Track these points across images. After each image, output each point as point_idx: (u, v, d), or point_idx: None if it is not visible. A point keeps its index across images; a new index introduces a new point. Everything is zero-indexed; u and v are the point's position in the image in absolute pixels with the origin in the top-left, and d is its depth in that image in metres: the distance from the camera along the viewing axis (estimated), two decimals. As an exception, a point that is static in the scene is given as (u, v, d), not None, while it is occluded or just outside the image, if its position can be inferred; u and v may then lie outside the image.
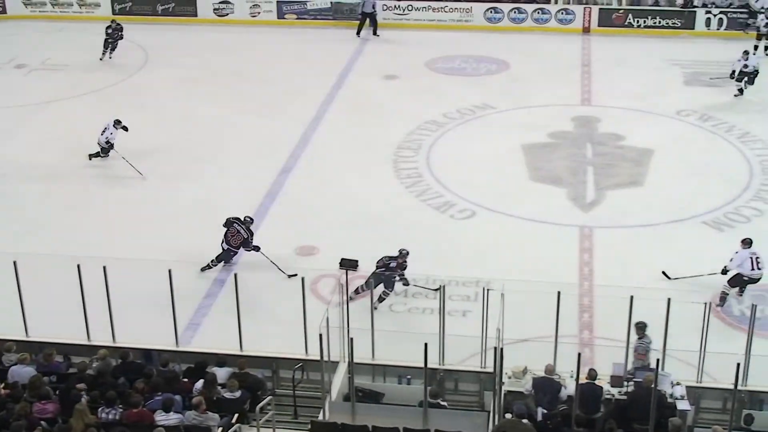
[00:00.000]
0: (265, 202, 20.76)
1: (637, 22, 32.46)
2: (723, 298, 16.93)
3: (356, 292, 16.21)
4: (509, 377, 13.46)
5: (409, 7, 33.07)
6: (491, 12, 32.87)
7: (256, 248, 17.84)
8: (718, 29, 32.02)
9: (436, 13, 33.14)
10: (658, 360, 12.28)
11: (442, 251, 18.64)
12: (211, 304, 17.08)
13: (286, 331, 14.61)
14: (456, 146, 23.65)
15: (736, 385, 11.89)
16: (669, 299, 13.21)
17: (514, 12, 32.80)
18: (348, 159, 22.76)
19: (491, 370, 13.17)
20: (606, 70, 29.03)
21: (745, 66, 26.45)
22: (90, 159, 22.25)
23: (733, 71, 26.53)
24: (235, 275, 14.38)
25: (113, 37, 29.35)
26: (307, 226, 19.67)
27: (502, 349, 12.31)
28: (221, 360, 13.84)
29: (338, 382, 13.40)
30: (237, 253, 18.00)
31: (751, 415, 12.75)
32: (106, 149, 22.08)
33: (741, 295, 16.99)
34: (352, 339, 12.34)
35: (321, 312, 12.71)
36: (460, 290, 16.97)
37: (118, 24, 29.51)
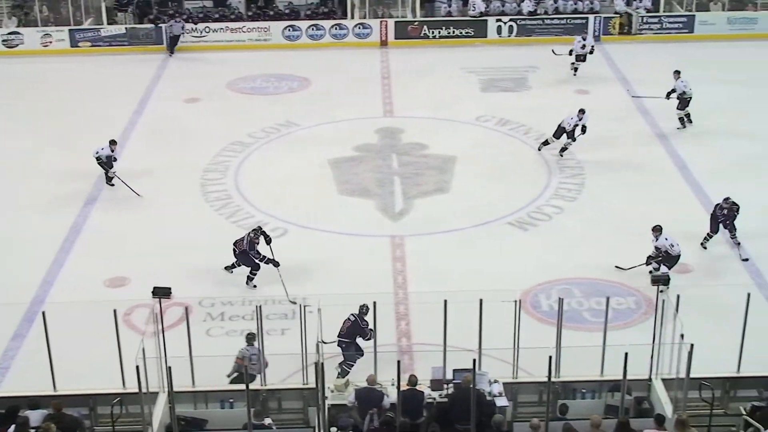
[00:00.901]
0: (70, 235, 20.14)
1: (432, 33, 33.28)
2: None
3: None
4: (332, 391, 13.47)
5: (207, 29, 32.82)
6: (289, 30, 33.01)
7: (272, 262, 17.75)
8: (509, 36, 33.19)
9: (234, 33, 33.02)
10: (474, 360, 12.57)
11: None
12: (20, 345, 16.40)
13: (102, 366, 14.19)
14: (263, 166, 23.63)
15: (549, 377, 12.29)
16: (481, 300, 13.55)
17: (312, 29, 33.05)
18: (154, 185, 22.31)
19: (314, 385, 13.17)
20: (406, 81, 29.62)
21: (583, 47, 28.66)
22: None
23: (571, 50, 28.73)
24: (43, 313, 13.85)
25: None
26: (117, 256, 19.21)
27: (322, 363, 12.33)
28: (34, 402, 13.25)
29: (159, 412, 13.10)
30: (240, 255, 17.88)
31: (566, 404, 13.22)
32: None
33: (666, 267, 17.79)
34: (170, 368, 12.09)
35: (136, 343, 12.41)
36: (277, 308, 16.93)
37: None
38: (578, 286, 17.95)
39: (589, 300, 17.50)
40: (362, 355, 15.27)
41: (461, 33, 33.37)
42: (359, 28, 33.23)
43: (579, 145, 23.71)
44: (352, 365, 15.20)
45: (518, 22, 33.27)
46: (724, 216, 18.77)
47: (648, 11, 33.86)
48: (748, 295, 14.05)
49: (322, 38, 33.09)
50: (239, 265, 18.18)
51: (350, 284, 17.38)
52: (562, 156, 23.40)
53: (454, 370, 13.66)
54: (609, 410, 13.35)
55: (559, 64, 30.13)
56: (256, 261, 17.83)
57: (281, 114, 26.69)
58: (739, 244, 19.03)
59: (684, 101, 24.84)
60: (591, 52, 28.82)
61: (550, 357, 12.39)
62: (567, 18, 33.58)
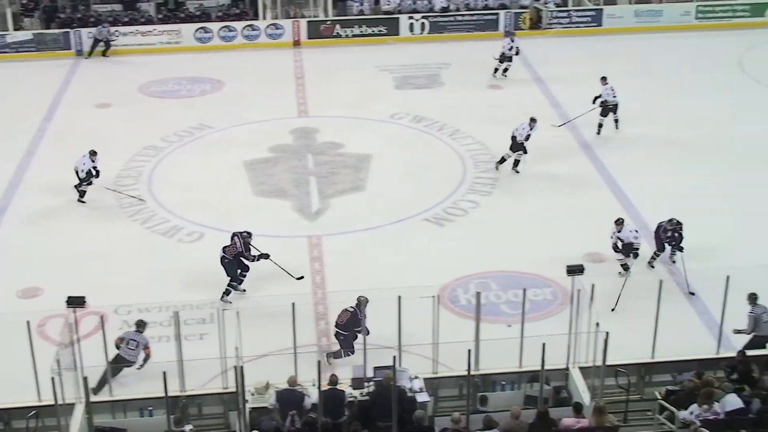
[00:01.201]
0: (-20, 247, 19.73)
1: (345, 32, 33.27)
2: (625, 266, 18.28)
3: None
4: (252, 394, 13.40)
5: (117, 33, 32.32)
6: (201, 32, 32.70)
7: (263, 256, 17.56)
8: (421, 33, 33.32)
9: (145, 37, 32.59)
10: (394, 357, 12.63)
11: (173, 276, 18.37)
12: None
13: (16, 379, 13.90)
14: (177, 170, 23.37)
15: (469, 371, 12.41)
16: (399, 297, 13.60)
17: (224, 30, 32.79)
18: (65, 193, 21.88)
19: (234, 389, 13.09)
20: (320, 81, 29.56)
21: (510, 48, 28.53)
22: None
23: (502, 53, 28.61)
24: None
25: None
26: (29, 267, 18.85)
27: (242, 367, 12.26)
28: (-54, 419, 12.99)
29: (76, 424, 12.87)
30: (231, 261, 17.47)
31: (486, 396, 13.36)
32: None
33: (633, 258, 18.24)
34: (86, 378, 11.92)
35: (51, 354, 12.20)
36: (195, 313, 16.75)
37: None
38: (495, 280, 18.13)
39: (506, 292, 17.67)
40: (353, 353, 15.49)
41: (374, 31, 33.41)
42: (272, 28, 33.08)
43: (491, 138, 23.96)
44: (348, 354, 15.54)
45: (430, 19, 33.42)
46: (669, 238, 18.27)
47: (557, 6, 34.31)
48: (660, 282, 14.34)
49: (234, 39, 32.85)
50: (238, 275, 17.76)
51: (268, 286, 17.30)
52: (518, 172, 22.60)
53: (375, 368, 13.70)
54: (528, 400, 13.54)
55: (471, 61, 30.43)
56: (249, 262, 17.58)
57: (194, 117, 26.44)
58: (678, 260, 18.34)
59: (606, 109, 24.47)
60: (517, 53, 28.77)
61: (469, 351, 12.54)
62: (478, 14, 33.86)
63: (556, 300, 17.46)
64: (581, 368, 13.92)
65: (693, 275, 17.73)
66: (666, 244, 18.45)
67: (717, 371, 14.04)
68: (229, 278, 17.60)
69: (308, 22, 33.33)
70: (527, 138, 22.36)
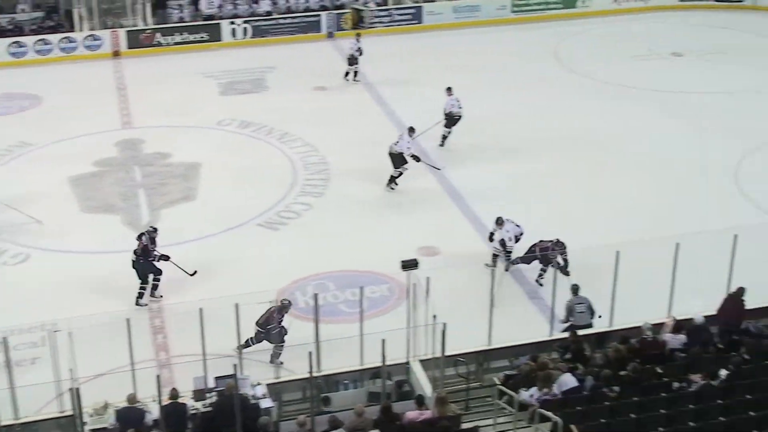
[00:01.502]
0: None
1: (166, 40, 32.74)
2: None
3: None
4: (91, 416, 13.03)
5: None
6: (14, 46, 31.59)
7: (164, 257, 17.49)
8: (244, 38, 33.12)
9: (-45, 54, 31.31)
10: (235, 365, 12.53)
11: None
12: None
13: None
14: (-1, 190, 22.50)
15: (311, 372, 12.40)
16: (237, 305, 13.51)
17: (39, 44, 31.77)
18: None
19: (71, 412, 12.71)
20: (143, 91, 28.99)
21: (358, 50, 28.56)
22: None
23: (351, 55, 28.59)
24: None
25: None
26: None
27: (77, 389, 11.92)
28: None
29: None
30: (144, 260, 17.43)
31: (329, 397, 13.39)
32: None
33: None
34: None
35: None
36: (25, 338, 16.15)
37: None
38: (333, 280, 18.20)
39: (344, 292, 17.75)
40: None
41: (196, 38, 33.00)
42: (89, 39, 32.24)
43: (320, 140, 24.08)
44: (281, 350, 15.48)
45: (252, 23, 33.26)
46: (547, 259, 17.69)
47: (378, 5, 34.68)
48: (492, 271, 14.73)
49: (51, 53, 31.85)
50: (148, 277, 17.64)
51: (102, 303, 16.87)
52: (394, 187, 21.83)
53: (216, 378, 13.56)
54: (372, 397, 13.63)
55: (295, 64, 30.49)
56: (153, 261, 17.49)
57: (13, 135, 25.49)
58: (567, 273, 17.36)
59: (452, 120, 23.77)
60: (360, 53, 28.76)
61: (310, 353, 12.54)
62: (300, 17, 33.90)
63: (393, 295, 17.65)
64: (421, 361, 14.12)
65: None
66: (543, 263, 17.87)
67: (551, 353, 14.48)
68: (141, 279, 17.58)
69: (127, 31, 32.64)
70: (408, 149, 21.50)
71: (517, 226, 18.48)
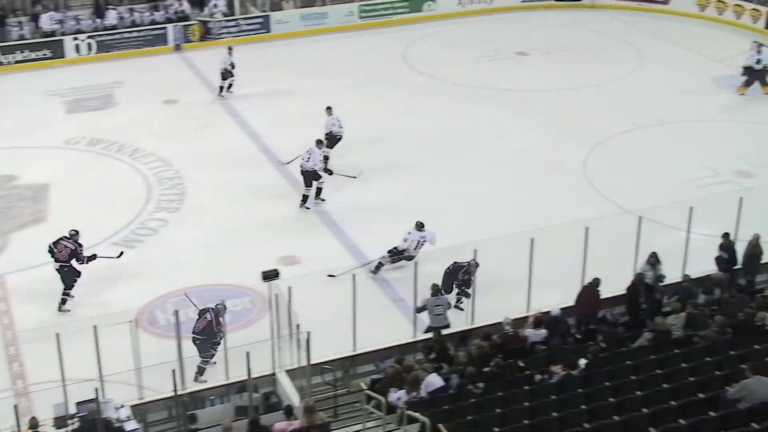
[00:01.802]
0: None
1: (7, 58, 31.64)
2: (379, 266, 18.43)
3: None
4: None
5: None
6: None
7: (92, 257, 17.64)
8: (89, 54, 32.29)
9: None
10: (96, 388, 12.26)
11: None
12: None
13: None
14: None
15: (175, 390, 12.24)
16: (95, 327, 13.22)
17: None
18: None
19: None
20: (-17, 112, 27.98)
21: (230, 64, 27.76)
22: None
23: (225, 69, 27.72)
24: None
25: None
26: None
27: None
28: None
29: None
30: (70, 266, 17.41)
31: (195, 414, 13.22)
32: None
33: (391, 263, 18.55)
34: None
35: None
36: None
37: None
38: (193, 295, 17.88)
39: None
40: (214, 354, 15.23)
41: (38, 56, 32.01)
42: (-77, 62, 30.97)
43: (172, 154, 23.79)
44: (208, 362, 15.23)
45: (96, 38, 32.47)
46: (463, 281, 16.90)
47: (225, 15, 34.35)
48: (354, 276, 14.79)
49: None
50: (70, 281, 17.58)
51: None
52: (320, 201, 21.41)
53: (77, 403, 13.24)
54: (239, 411, 13.54)
55: (143, 78, 29.95)
56: (80, 263, 17.53)
57: None
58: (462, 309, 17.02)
59: (333, 139, 22.83)
60: (233, 67, 28.18)
61: (174, 371, 12.35)
62: (146, 30, 33.29)
63: (255, 307, 17.53)
64: (288, 371, 14.10)
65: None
66: (456, 287, 17.15)
67: (416, 354, 14.63)
68: (63, 286, 17.50)
69: (-35, 51, 31.50)
70: (324, 161, 21.42)
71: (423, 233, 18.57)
